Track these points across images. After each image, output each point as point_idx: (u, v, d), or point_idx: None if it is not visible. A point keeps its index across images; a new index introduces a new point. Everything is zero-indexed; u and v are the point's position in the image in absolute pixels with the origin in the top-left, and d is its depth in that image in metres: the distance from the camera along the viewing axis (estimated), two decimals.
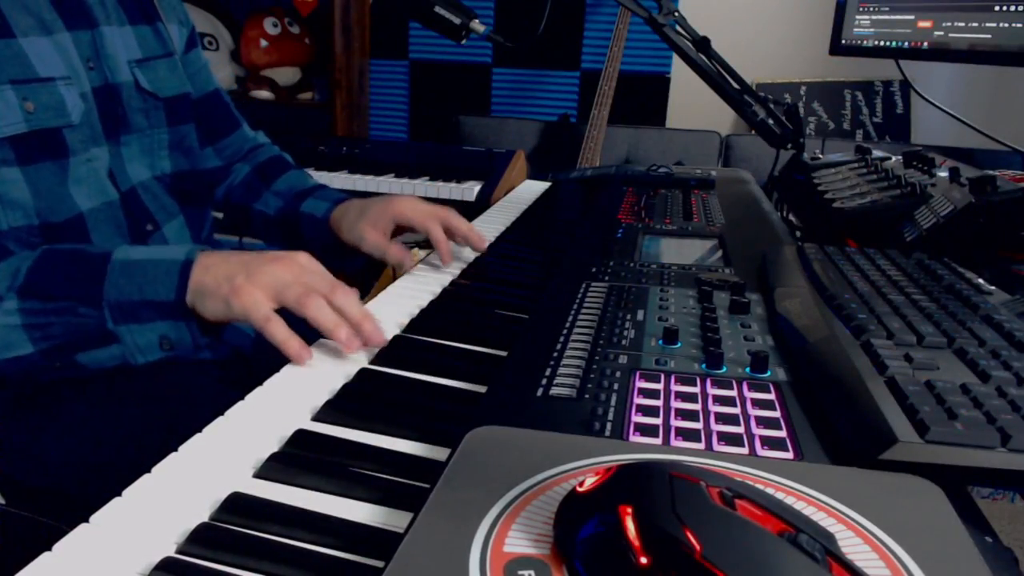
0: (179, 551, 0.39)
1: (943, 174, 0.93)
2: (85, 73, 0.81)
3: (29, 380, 0.78)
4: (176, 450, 0.49)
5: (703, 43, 1.17)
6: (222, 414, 0.54)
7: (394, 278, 0.87)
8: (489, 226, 1.12)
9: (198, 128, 1.00)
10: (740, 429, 0.46)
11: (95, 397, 0.80)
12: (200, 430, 0.51)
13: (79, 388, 0.80)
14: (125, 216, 0.86)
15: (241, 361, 0.96)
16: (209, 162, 1.07)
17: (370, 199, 0.98)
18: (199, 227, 1.00)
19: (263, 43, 2.95)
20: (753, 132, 1.23)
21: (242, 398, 0.56)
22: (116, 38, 0.85)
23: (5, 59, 0.72)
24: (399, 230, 0.96)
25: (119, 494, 0.44)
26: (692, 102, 3.03)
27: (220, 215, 1.12)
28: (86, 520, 0.41)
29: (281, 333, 0.62)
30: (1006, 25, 0.89)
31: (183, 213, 0.97)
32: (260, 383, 0.59)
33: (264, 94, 2.92)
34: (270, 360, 0.63)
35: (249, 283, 0.64)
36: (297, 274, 0.66)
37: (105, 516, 0.41)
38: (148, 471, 0.46)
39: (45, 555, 0.38)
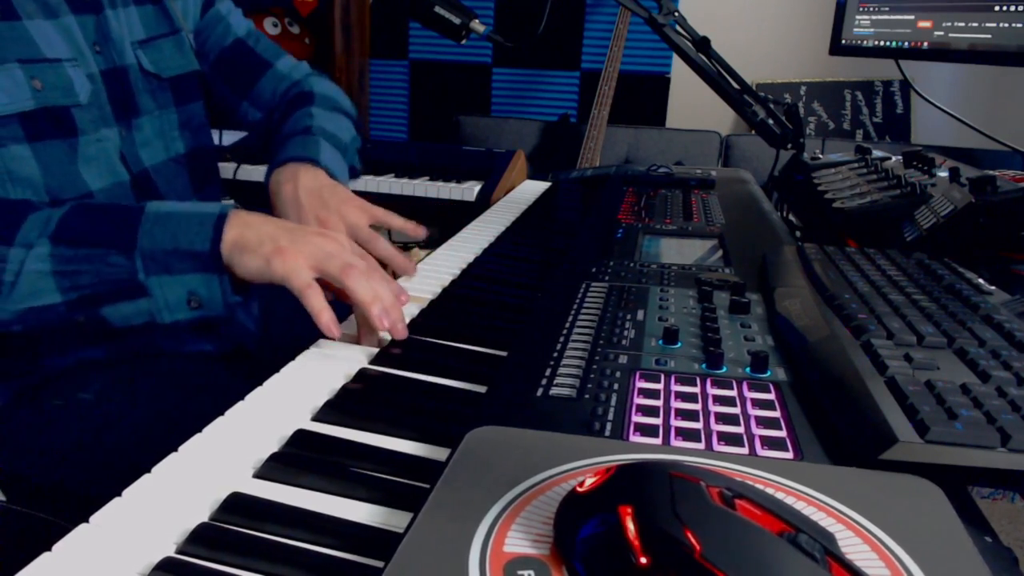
0: (179, 551, 0.39)
1: (943, 174, 0.93)
2: (92, 56, 0.81)
3: (49, 342, 0.78)
4: (178, 445, 0.49)
5: (703, 43, 1.17)
6: (225, 407, 0.54)
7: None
8: (489, 226, 1.12)
9: (229, 87, 0.98)
10: (740, 429, 0.46)
11: (97, 391, 0.80)
12: (203, 423, 0.51)
13: (81, 381, 0.81)
14: (136, 198, 0.85)
15: (243, 356, 0.96)
16: (250, 116, 1.03)
17: (324, 187, 0.84)
18: None
19: None
20: (753, 132, 1.23)
21: (246, 391, 0.56)
22: (121, 20, 0.85)
23: (11, 40, 0.72)
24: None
25: (121, 489, 0.44)
26: (692, 102, 3.03)
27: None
28: (87, 516, 0.41)
29: (318, 302, 0.62)
30: (1006, 25, 0.89)
31: (198, 196, 0.96)
32: (262, 377, 0.59)
33: None
34: (273, 355, 0.63)
35: (293, 247, 0.64)
36: (339, 249, 0.66)
37: (105, 516, 0.41)
38: (150, 465, 0.46)
39: (45, 555, 0.38)
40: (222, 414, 0.54)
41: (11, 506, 0.79)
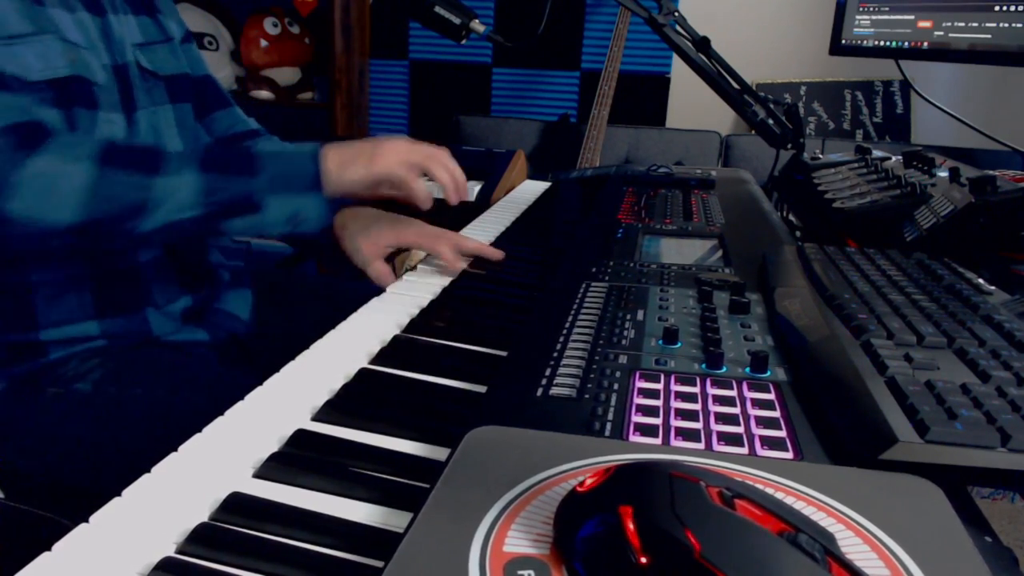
0: (179, 551, 0.39)
1: (943, 174, 0.93)
2: (103, 50, 0.88)
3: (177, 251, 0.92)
4: (173, 435, 0.49)
5: (703, 43, 1.17)
6: (220, 398, 0.54)
7: (392, 278, 0.87)
8: (489, 226, 1.12)
9: (193, 103, 1.05)
10: (740, 429, 0.46)
11: (95, 381, 0.82)
12: (198, 413, 0.52)
13: (78, 370, 0.83)
14: None
15: (236, 343, 0.99)
16: (200, 139, 1.10)
17: (378, 213, 0.98)
18: None
19: (263, 43, 2.95)
20: (753, 132, 1.23)
21: (240, 382, 0.56)
22: (122, 25, 0.91)
23: (42, 18, 0.80)
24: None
25: (118, 480, 0.44)
26: (692, 102, 3.03)
27: None
28: (85, 510, 0.41)
29: (419, 186, 0.84)
30: (1006, 25, 0.89)
31: None
32: (255, 367, 0.59)
33: (264, 94, 2.92)
34: (265, 345, 0.64)
35: (384, 150, 0.82)
36: (419, 146, 0.86)
37: (105, 516, 0.41)
38: (146, 455, 0.47)
39: (45, 555, 0.38)
40: (217, 404, 0.54)
41: (10, 503, 0.80)
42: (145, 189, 0.75)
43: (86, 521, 0.41)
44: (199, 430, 0.51)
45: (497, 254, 0.95)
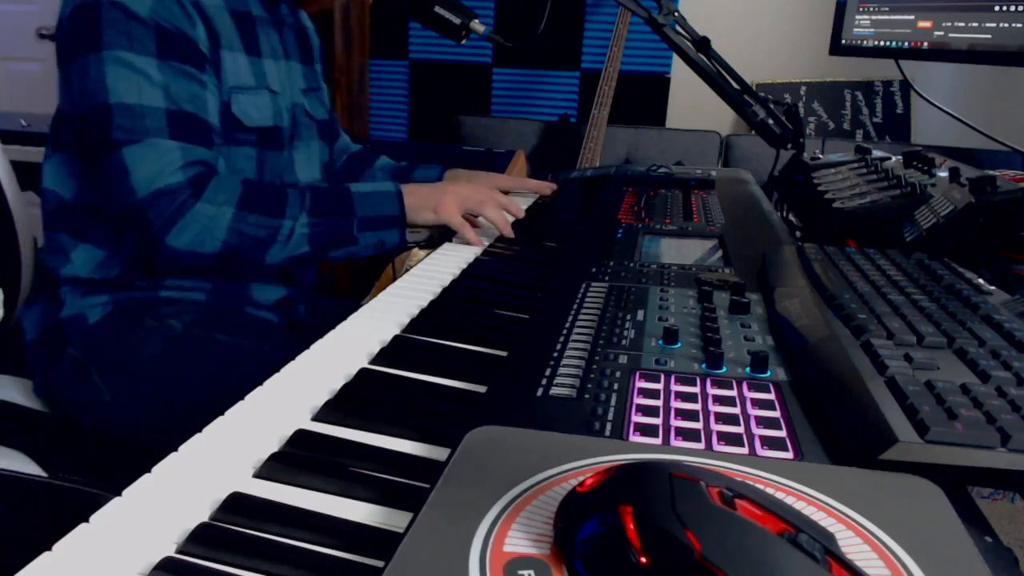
0: (179, 551, 0.39)
1: (943, 174, 0.93)
2: (288, 92, 1.10)
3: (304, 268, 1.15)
4: (246, 376, 0.54)
5: (703, 43, 1.17)
6: (282, 356, 0.61)
7: (394, 278, 0.88)
8: (489, 226, 1.12)
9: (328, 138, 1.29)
10: (740, 429, 0.46)
11: (186, 323, 0.98)
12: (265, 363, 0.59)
13: (178, 311, 1.00)
14: None
15: (298, 326, 1.18)
16: (332, 167, 1.35)
17: (471, 174, 1.30)
18: None
19: None
20: (753, 132, 1.23)
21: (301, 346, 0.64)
22: (296, 71, 1.15)
23: (260, 73, 1.04)
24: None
25: (203, 419, 0.49)
26: (692, 102, 3.03)
27: None
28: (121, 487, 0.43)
29: (469, 233, 1.02)
30: (1006, 25, 0.89)
31: None
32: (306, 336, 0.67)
33: None
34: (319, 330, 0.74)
35: (445, 200, 1.03)
36: (474, 192, 1.07)
37: (105, 516, 0.41)
38: (220, 394, 0.54)
39: (45, 555, 0.38)
40: (282, 362, 0.61)
41: (53, 480, 0.88)
42: (271, 228, 0.95)
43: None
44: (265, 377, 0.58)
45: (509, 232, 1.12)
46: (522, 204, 1.30)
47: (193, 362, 0.95)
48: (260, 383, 0.58)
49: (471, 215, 1.07)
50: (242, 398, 0.55)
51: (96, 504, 0.41)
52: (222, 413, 0.53)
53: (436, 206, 1.02)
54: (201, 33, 0.96)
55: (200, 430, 0.50)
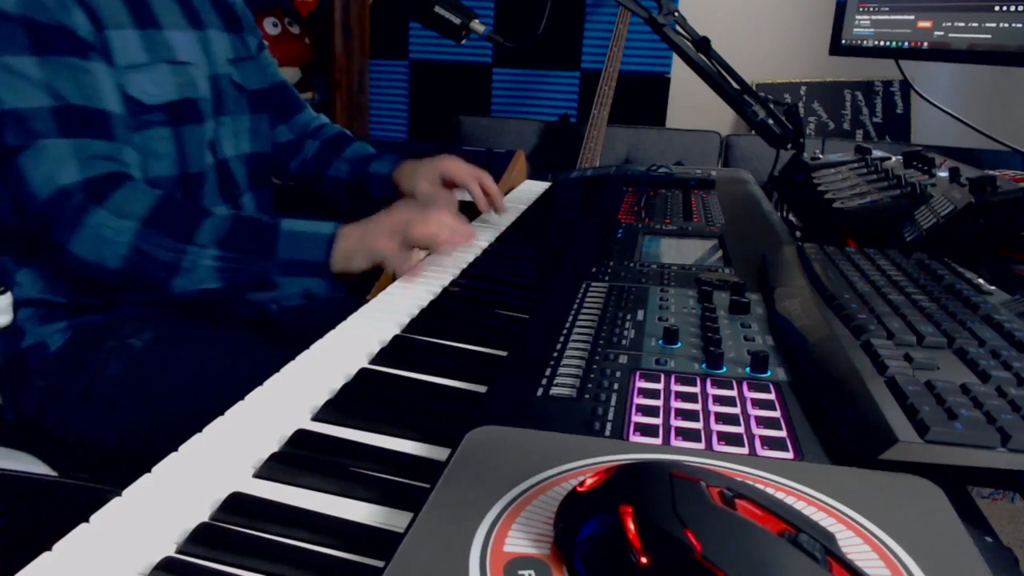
0: (179, 551, 0.39)
1: (943, 174, 0.93)
2: (205, 63, 1.02)
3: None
4: (214, 401, 0.51)
5: (703, 43, 1.17)
6: (254, 367, 0.59)
7: (394, 278, 0.87)
8: (489, 226, 1.12)
9: (272, 111, 1.21)
10: (740, 429, 0.46)
11: (147, 339, 0.94)
12: (237, 376, 0.57)
13: (138, 329, 0.95)
14: (218, 182, 1.06)
15: (272, 326, 1.11)
16: (283, 137, 1.26)
17: (424, 159, 1.19)
18: (264, 208, 1.18)
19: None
20: (753, 132, 1.23)
21: (274, 355, 0.62)
22: (217, 40, 1.07)
23: (158, 45, 0.96)
24: (447, 184, 1.17)
25: (171, 440, 0.47)
26: (692, 102, 3.03)
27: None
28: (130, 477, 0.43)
29: (401, 268, 0.88)
30: (1006, 25, 0.89)
31: (252, 193, 1.14)
32: (286, 344, 0.65)
33: None
34: (299, 330, 0.73)
35: (377, 238, 0.89)
36: (404, 220, 0.90)
37: (105, 516, 0.41)
38: (189, 406, 0.53)
39: (45, 555, 0.38)
40: (257, 373, 0.58)
41: (63, 479, 0.87)
42: (177, 252, 0.87)
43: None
44: (235, 392, 0.55)
45: (502, 207, 1.12)
46: (519, 207, 1.31)
47: (157, 380, 0.90)
48: (228, 395, 0.55)
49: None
50: (213, 412, 0.52)
51: (104, 501, 0.41)
52: (195, 429, 0.50)
53: (369, 246, 0.89)
54: (80, 18, 0.88)
55: (175, 448, 0.48)
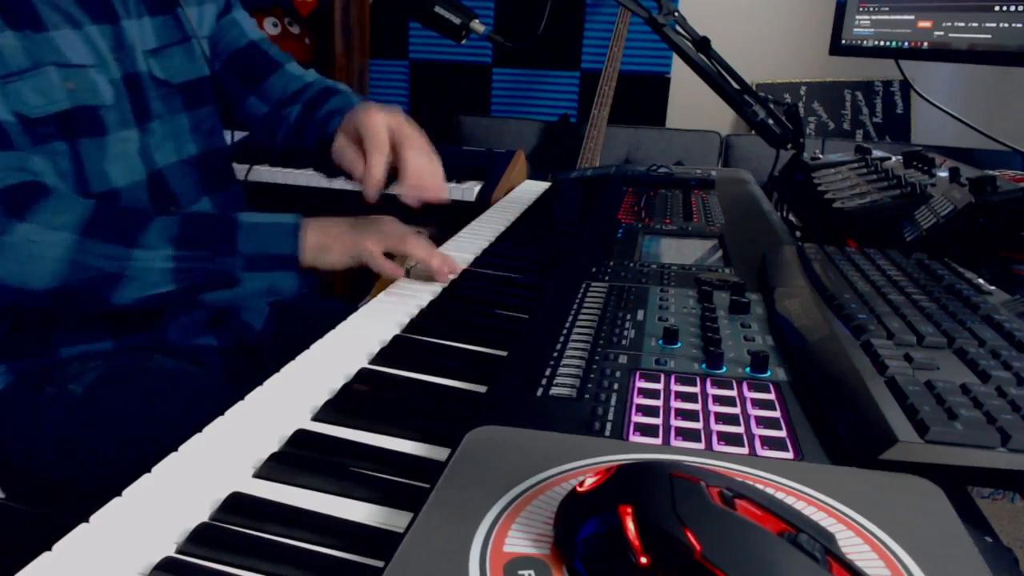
0: (179, 551, 0.39)
1: (943, 174, 0.93)
2: (112, 62, 0.87)
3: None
4: (168, 440, 0.49)
5: (703, 43, 1.17)
6: (212, 406, 0.54)
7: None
8: (489, 226, 1.12)
9: (238, 81, 1.06)
10: (740, 429, 0.46)
11: (88, 383, 0.84)
12: (190, 421, 0.52)
13: (78, 371, 0.85)
14: (151, 197, 0.92)
15: (244, 351, 1.00)
16: (257, 111, 1.08)
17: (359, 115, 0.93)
18: (230, 210, 1.03)
19: None
20: (753, 132, 1.23)
21: (239, 386, 0.57)
22: (135, 30, 0.90)
23: (42, 47, 0.80)
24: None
25: (111, 480, 0.44)
26: (692, 102, 3.03)
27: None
28: (83, 510, 0.41)
29: (388, 268, 0.84)
30: (1006, 25, 0.89)
31: (209, 197, 1.01)
32: (260, 371, 0.60)
33: None
34: (271, 352, 0.65)
35: (361, 238, 0.83)
36: (394, 228, 0.85)
37: (105, 516, 0.41)
38: (142, 458, 0.47)
39: (45, 555, 0.38)
40: (205, 414, 0.53)
41: (9, 503, 0.81)
42: (122, 260, 0.77)
43: (86, 520, 0.41)
44: (183, 438, 0.50)
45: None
46: (519, 207, 1.31)
47: (98, 428, 0.82)
48: (173, 442, 0.50)
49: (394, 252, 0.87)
50: (156, 456, 0.48)
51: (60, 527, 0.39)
52: (143, 471, 0.46)
53: (349, 246, 0.83)
54: None
55: (118, 494, 0.44)
